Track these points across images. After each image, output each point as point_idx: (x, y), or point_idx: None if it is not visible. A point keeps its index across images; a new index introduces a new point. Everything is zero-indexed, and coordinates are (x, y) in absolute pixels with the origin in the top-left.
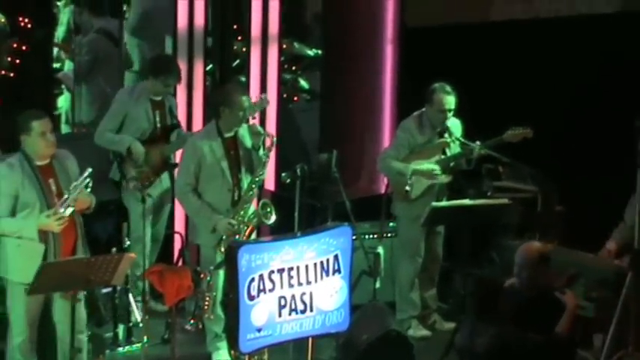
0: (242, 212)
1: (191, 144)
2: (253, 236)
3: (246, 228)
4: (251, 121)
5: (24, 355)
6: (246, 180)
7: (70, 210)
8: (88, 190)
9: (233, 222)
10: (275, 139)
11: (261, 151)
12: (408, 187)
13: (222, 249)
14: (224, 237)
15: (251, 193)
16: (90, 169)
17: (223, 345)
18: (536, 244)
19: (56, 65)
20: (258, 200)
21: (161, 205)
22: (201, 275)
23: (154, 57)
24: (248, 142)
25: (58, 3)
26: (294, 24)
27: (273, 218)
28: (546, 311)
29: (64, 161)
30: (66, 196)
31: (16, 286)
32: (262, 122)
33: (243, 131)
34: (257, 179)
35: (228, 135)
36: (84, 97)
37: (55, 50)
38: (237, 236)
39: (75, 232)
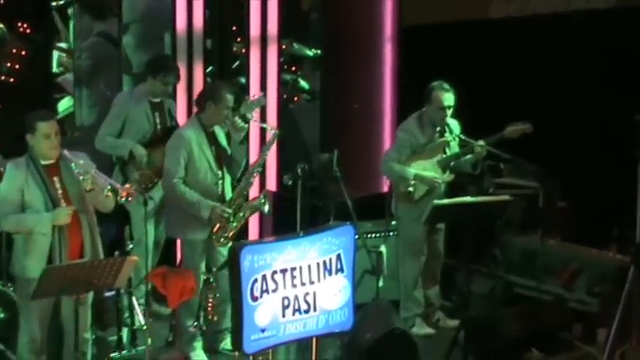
0: (239, 200)
1: (177, 135)
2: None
3: (239, 218)
4: (253, 119)
5: (31, 354)
6: (226, 176)
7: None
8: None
9: (228, 210)
10: (276, 132)
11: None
12: (411, 189)
13: (219, 241)
14: (216, 228)
15: (248, 181)
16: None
17: (199, 345)
18: None
19: (58, 70)
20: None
21: (162, 208)
22: (205, 277)
23: (151, 57)
24: (223, 141)
25: (53, 3)
26: (293, 24)
27: (267, 208)
28: None
29: (71, 161)
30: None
31: (25, 285)
32: (263, 122)
33: (217, 130)
34: (252, 175)
35: (209, 130)
36: (85, 101)
37: (57, 55)
38: (229, 223)
39: (81, 233)
